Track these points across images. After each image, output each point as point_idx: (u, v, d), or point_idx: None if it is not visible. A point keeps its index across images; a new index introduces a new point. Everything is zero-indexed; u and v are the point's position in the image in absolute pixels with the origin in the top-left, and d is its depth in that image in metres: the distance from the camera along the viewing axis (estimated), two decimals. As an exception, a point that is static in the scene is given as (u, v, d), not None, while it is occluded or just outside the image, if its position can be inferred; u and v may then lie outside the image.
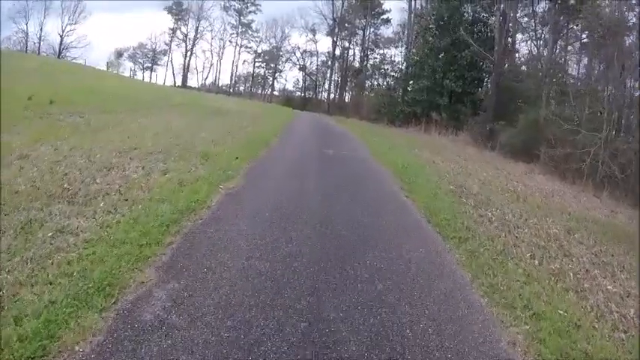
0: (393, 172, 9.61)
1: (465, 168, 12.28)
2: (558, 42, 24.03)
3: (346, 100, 51.35)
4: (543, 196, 10.31)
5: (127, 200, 5.29)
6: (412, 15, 36.91)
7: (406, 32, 38.28)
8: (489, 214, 7.18)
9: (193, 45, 61.19)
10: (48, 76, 21.09)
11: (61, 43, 55.83)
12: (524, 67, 25.70)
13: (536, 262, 5.09)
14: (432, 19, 28.70)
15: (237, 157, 8.49)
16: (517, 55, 27.61)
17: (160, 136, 10.32)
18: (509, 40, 26.17)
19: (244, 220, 5.15)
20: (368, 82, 48.50)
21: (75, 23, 55.90)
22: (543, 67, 22.37)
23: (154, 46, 62.42)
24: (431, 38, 28.10)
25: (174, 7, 60.02)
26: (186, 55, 61.20)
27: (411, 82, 30.50)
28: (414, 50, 31.45)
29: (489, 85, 24.21)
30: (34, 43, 55.11)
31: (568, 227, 7.30)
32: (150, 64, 62.94)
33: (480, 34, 27.17)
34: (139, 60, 62.55)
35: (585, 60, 24.36)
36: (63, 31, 55.64)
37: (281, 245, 4.46)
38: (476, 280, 4.24)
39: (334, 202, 6.64)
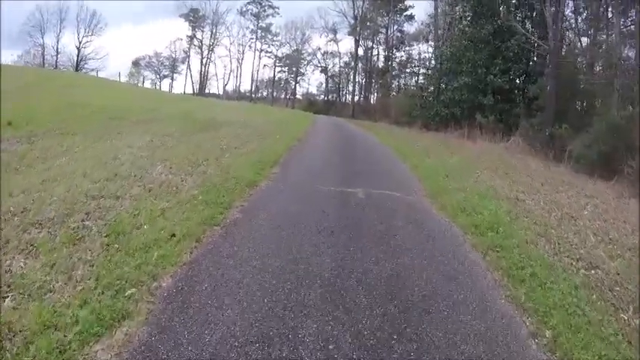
0: (479, 244, 5.14)
1: (558, 205, 7.93)
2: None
3: (372, 102, 47.09)
4: None
5: None
6: (440, 3, 32.29)
7: (434, 24, 33.62)
8: None
9: (210, 51, 57.95)
10: (43, 92, 17.93)
11: (78, 56, 53.49)
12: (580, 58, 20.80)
13: None
14: (467, 6, 24.13)
15: (172, 235, 4.45)
16: (570, 43, 22.65)
17: (83, 179, 6.36)
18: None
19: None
20: (395, 83, 44.39)
21: (91, 35, 53.87)
22: (613, 56, 17.55)
23: (173, 55, 59.50)
24: (468, 28, 23.52)
25: (191, 15, 56.96)
26: (202, 62, 58.00)
27: (444, 79, 25.89)
28: (447, 44, 26.83)
29: (545, 80, 19.42)
30: (52, 57, 52.95)
31: None
32: (167, 73, 59.92)
33: (527, 19, 22.50)
34: (155, 69, 59.56)
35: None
36: (80, 43, 53.41)
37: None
38: None
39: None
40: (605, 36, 20.62)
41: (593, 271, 4.77)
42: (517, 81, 21.31)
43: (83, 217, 4.72)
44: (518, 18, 22.34)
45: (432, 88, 27.27)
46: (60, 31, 52.41)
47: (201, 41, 57.67)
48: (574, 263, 4.91)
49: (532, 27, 21.96)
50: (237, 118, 15.51)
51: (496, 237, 5.30)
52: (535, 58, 22.21)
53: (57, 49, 52.55)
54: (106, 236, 4.27)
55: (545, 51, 20.28)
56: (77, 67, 53.08)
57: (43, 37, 52.01)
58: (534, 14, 22.09)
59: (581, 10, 21.85)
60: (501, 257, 4.75)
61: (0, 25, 42.28)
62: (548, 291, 4.07)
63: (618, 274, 4.72)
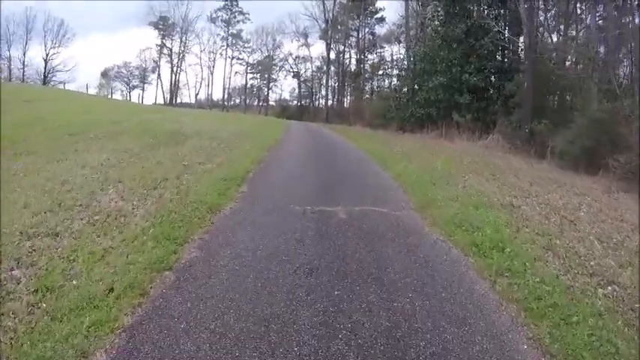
0: (484, 268, 4.32)
1: (553, 208, 7.21)
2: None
3: (345, 106, 46.38)
4: None
5: None
6: (412, 3, 31.66)
7: (405, 25, 33.06)
8: None
9: (180, 60, 56.48)
10: (3, 108, 16.52)
11: (45, 68, 51.40)
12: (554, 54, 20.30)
13: None
14: (440, 5, 23.50)
15: (111, 290, 3.50)
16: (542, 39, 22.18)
17: (23, 211, 5.29)
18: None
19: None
20: (368, 85, 43.84)
21: (59, 46, 51.84)
22: (590, 50, 17.08)
23: (143, 64, 57.78)
24: (441, 27, 22.90)
25: (160, 22, 55.33)
26: (172, 70, 56.46)
27: (418, 79, 25.18)
28: (420, 44, 26.18)
29: (521, 77, 18.83)
30: (19, 69, 50.77)
31: None
32: (137, 83, 58.16)
33: (499, 17, 22.05)
34: (125, 79, 57.77)
35: None
36: (47, 55, 51.31)
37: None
38: None
39: None
40: (574, 32, 20.29)
41: (610, 288, 4.15)
42: (492, 79, 20.73)
43: (13, 265, 3.76)
44: (491, 16, 21.82)
45: (406, 89, 26.61)
46: (26, 43, 50.37)
47: (170, 50, 56.10)
48: (589, 281, 4.24)
49: (505, 24, 21.47)
50: (206, 128, 14.42)
51: (502, 257, 4.52)
52: (511, 55, 21.71)
53: (23, 61, 50.49)
54: (34, 292, 3.33)
55: (520, 48, 19.93)
56: (45, 80, 51.08)
57: (9, 50, 49.91)
58: (507, 12, 21.60)
59: (549, 7, 21.48)
60: (513, 284, 3.97)
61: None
62: (573, 326, 3.30)
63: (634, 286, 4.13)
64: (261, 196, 6.57)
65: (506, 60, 21.70)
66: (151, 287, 3.59)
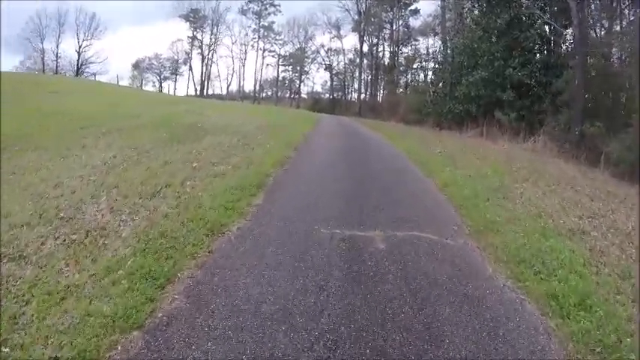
0: (575, 342, 3.02)
1: (626, 236, 5.79)
2: None
3: (379, 100, 44.78)
4: None
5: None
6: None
7: (442, 16, 31.24)
8: None
9: (210, 52, 55.76)
10: (26, 101, 15.90)
11: (78, 60, 51.56)
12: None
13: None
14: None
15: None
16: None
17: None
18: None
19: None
20: (403, 79, 42.13)
21: (91, 38, 51.83)
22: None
23: (175, 56, 57.31)
24: (482, 18, 21.16)
25: (191, 15, 54.69)
26: (202, 62, 55.79)
27: (456, 73, 23.49)
28: (459, 36, 24.36)
29: (571, 73, 16.98)
30: (53, 61, 51.09)
31: None
32: (169, 75, 57.71)
33: (546, 6, 20.04)
34: (156, 71, 57.39)
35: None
36: (80, 47, 51.46)
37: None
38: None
39: None
40: (618, 27, 18.28)
41: None
42: (538, 74, 18.85)
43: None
44: (536, 5, 19.87)
45: (443, 84, 24.88)
46: (59, 36, 50.63)
47: (201, 42, 55.43)
48: None
49: (552, 15, 19.54)
50: (230, 121, 13.31)
51: (590, 321, 3.24)
52: (558, 49, 19.81)
53: (57, 53, 50.79)
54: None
55: (569, 41, 18.11)
56: (78, 72, 51.30)
57: (42, 42, 50.23)
58: (554, 1, 19.63)
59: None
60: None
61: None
62: None
63: None
64: (279, 212, 5.27)
65: (553, 54, 19.77)
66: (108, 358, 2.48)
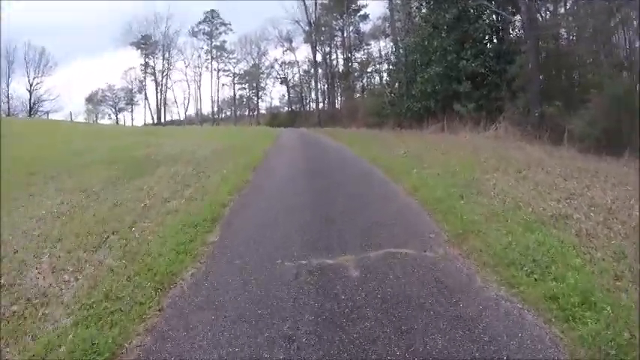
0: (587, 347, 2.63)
1: (607, 211, 5.53)
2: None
3: (337, 107, 44.65)
4: None
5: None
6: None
7: (391, 17, 31.38)
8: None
9: (164, 78, 54.67)
10: None
11: (30, 99, 49.55)
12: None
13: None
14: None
15: None
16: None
17: None
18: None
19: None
20: (359, 84, 42.19)
21: (42, 75, 49.78)
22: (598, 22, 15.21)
23: (129, 85, 56.00)
24: (430, 15, 21.06)
25: (142, 42, 53.57)
26: (157, 89, 54.59)
27: (411, 72, 23.38)
28: (409, 35, 24.32)
29: (524, 57, 16.97)
30: (4, 103, 48.90)
31: None
32: (124, 105, 56.32)
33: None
34: (110, 103, 55.96)
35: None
36: (31, 86, 49.36)
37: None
38: None
39: None
40: (562, 9, 18.52)
41: None
42: (492, 63, 18.85)
43: None
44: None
45: (399, 84, 24.76)
46: (9, 76, 48.55)
47: (154, 68, 54.33)
48: None
49: (499, 5, 19.58)
50: (185, 148, 12.62)
51: (600, 324, 2.86)
52: (509, 36, 19.87)
53: (7, 94, 48.65)
54: None
55: (518, 27, 18.22)
56: (31, 112, 49.24)
57: (-8, 83, 48.06)
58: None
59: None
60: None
61: None
62: None
63: None
64: (237, 248, 4.60)
65: (504, 42, 19.79)
66: None
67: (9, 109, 48.45)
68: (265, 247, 4.52)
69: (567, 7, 18.04)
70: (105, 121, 54.44)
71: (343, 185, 7.83)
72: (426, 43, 20.85)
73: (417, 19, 24.33)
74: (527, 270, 3.65)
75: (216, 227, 5.21)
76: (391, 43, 32.59)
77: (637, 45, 14.77)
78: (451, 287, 3.42)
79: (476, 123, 17.26)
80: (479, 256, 4.01)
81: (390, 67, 27.23)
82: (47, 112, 49.85)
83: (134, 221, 5.55)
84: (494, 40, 20.04)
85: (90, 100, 55.85)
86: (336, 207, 6.10)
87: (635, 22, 15.24)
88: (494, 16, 19.23)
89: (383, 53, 39.88)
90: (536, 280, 3.49)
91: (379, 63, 35.72)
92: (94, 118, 54.70)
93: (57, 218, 6.18)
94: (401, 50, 25.30)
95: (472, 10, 19.42)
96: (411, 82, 22.76)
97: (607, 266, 3.78)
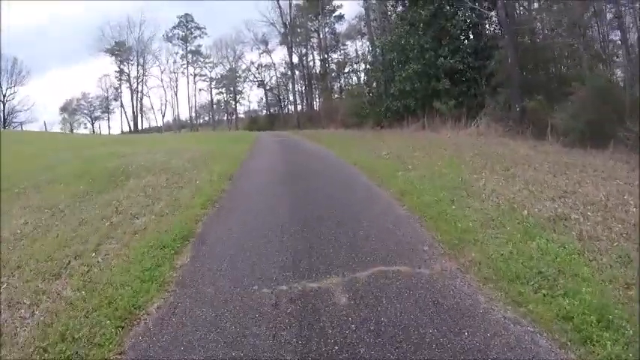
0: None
1: (599, 207, 5.31)
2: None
3: (316, 109, 44.26)
4: None
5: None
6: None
7: (367, 17, 31.12)
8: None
9: (140, 84, 53.55)
10: None
11: (4, 110, 47.95)
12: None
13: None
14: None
15: None
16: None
17: None
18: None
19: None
20: (336, 84, 41.92)
21: (15, 85, 48.16)
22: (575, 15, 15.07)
23: (105, 93, 54.65)
24: (406, 13, 20.75)
25: (116, 48, 52.35)
26: (132, 96, 53.45)
27: (388, 71, 23.03)
28: (386, 33, 23.93)
29: (502, 52, 16.71)
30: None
31: None
32: (100, 114, 54.94)
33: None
34: (85, 112, 54.56)
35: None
36: (4, 96, 47.72)
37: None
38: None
39: None
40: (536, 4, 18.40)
41: None
42: (470, 59, 18.62)
43: None
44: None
45: (377, 83, 24.37)
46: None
47: (128, 75, 53.16)
48: None
49: (474, 1, 19.34)
50: (159, 158, 11.95)
51: (621, 346, 2.56)
52: (486, 32, 19.67)
53: (-20, 106, 47.12)
54: None
55: (495, 23, 18.01)
56: (5, 123, 47.66)
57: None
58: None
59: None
60: None
61: None
62: None
63: None
64: (210, 270, 4.04)
65: (481, 37, 19.55)
66: None
67: (-19, 120, 47.12)
68: (241, 270, 4.00)
69: (541, 2, 17.90)
70: (81, 130, 53.12)
71: (325, 192, 7.22)
72: (403, 41, 20.49)
73: (393, 17, 24.08)
74: (534, 285, 3.28)
75: (187, 248, 4.65)
76: (367, 43, 32.38)
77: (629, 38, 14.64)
78: (453, 311, 2.99)
79: (457, 120, 17.03)
80: (479, 271, 3.60)
81: (368, 66, 26.81)
82: (21, 123, 48.49)
83: (98, 243, 5.01)
84: (471, 37, 19.79)
85: (65, 109, 54.42)
86: (316, 219, 5.53)
87: (608, 16, 15.35)
88: (470, 12, 18.94)
89: (359, 53, 39.74)
90: (545, 296, 3.12)
91: (356, 63, 35.42)
92: (70, 128, 53.27)
93: (19, 241, 5.62)
94: (378, 49, 24.97)
95: (448, 7, 19.14)
96: (389, 81, 22.44)
97: (616, 273, 3.44)
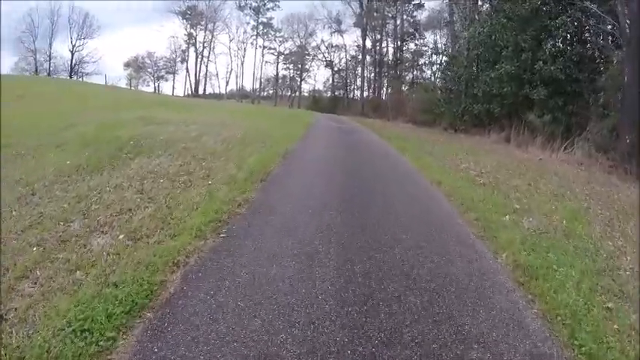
0: None
1: None
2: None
3: (383, 98, 41.63)
4: None
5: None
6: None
7: (448, 10, 28.14)
8: None
9: (205, 49, 52.72)
10: None
11: (72, 60, 48.74)
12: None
13: None
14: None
15: None
16: None
17: None
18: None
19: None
20: (408, 76, 39.05)
21: (84, 38, 48.84)
22: None
23: (173, 55, 54.32)
24: (505, 4, 17.57)
25: (188, 12, 51.72)
26: (197, 60, 52.82)
27: (474, 69, 20.22)
28: (476, 25, 20.77)
29: (618, 67, 13.54)
30: (45, 61, 48.40)
31: None
32: (164, 74, 54.64)
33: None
34: (149, 70, 54.32)
35: None
36: (73, 47, 48.58)
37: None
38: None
39: None
40: None
41: None
42: (578, 69, 15.47)
43: None
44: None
45: (457, 80, 21.41)
46: (52, 35, 47.77)
47: (195, 38, 52.32)
48: None
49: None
50: (191, 131, 9.77)
51: None
52: (600, 37, 16.26)
53: (49, 54, 48.05)
54: None
55: (614, 29, 14.70)
56: (71, 72, 48.51)
57: (34, 42, 47.43)
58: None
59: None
60: None
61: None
62: None
63: None
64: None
65: (590, 45, 16.32)
66: None
67: (49, 68, 48.00)
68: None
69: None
70: (145, 88, 53.05)
71: (400, 243, 4.24)
72: (495, 36, 17.67)
73: (484, 7, 21.09)
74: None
75: (179, 283, 2.58)
76: (448, 35, 29.35)
77: None
78: None
79: (548, 139, 14.18)
80: None
81: (450, 60, 23.68)
82: (86, 74, 49.29)
83: (21, 276, 3.11)
84: (581, 41, 16.52)
85: (128, 65, 54.37)
86: (381, 291, 3.17)
87: None
88: (580, 13, 15.55)
89: (438, 45, 36.54)
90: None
91: (435, 54, 32.20)
92: (135, 85, 53.40)
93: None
94: (462, 41, 22.08)
95: (554, 4, 16.07)
96: (471, 79, 19.67)
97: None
